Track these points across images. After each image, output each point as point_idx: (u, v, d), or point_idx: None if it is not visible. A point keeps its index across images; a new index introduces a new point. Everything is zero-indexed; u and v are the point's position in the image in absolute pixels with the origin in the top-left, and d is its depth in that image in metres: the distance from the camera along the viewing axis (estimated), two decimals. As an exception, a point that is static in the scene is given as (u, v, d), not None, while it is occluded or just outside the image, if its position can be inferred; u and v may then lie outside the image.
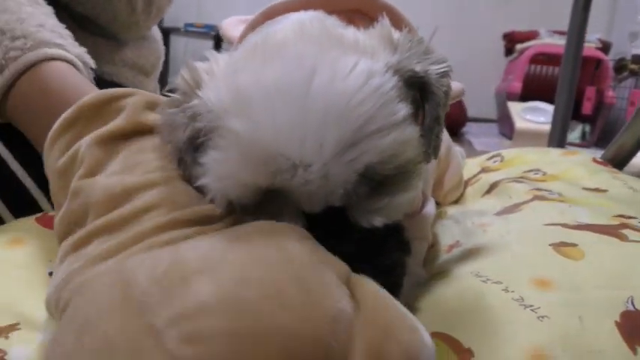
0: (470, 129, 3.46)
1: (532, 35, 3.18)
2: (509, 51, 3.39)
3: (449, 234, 0.76)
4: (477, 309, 0.53)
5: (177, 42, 3.91)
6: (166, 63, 1.27)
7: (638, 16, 2.65)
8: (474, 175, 1.12)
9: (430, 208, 0.73)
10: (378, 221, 0.47)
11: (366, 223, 0.47)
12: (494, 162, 1.16)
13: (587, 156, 1.03)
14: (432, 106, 0.51)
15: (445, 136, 1.03)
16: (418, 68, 0.50)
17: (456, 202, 1.03)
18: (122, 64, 1.01)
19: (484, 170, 1.12)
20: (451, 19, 3.33)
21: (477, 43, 3.56)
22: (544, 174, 0.99)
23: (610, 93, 2.85)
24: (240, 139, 0.43)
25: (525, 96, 2.96)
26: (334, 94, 0.42)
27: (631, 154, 0.98)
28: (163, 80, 1.21)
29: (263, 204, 0.46)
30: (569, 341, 0.49)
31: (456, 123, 3.28)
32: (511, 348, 0.48)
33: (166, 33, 3.72)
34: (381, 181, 0.47)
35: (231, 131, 0.43)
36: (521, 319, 0.51)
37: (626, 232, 0.65)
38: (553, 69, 3.06)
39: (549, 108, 2.39)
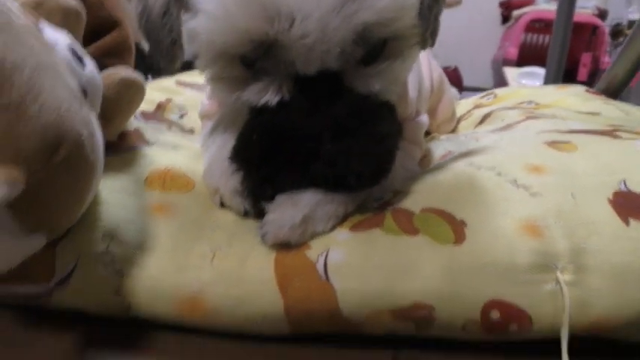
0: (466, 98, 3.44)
1: (528, 2, 3.16)
2: (505, 19, 3.36)
3: (441, 147, 0.76)
4: (470, 188, 0.53)
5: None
6: None
7: (635, -19, 2.64)
8: (468, 111, 1.12)
9: (424, 118, 0.73)
10: (374, 86, 0.47)
11: (362, 88, 0.47)
12: (488, 99, 1.15)
13: (581, 87, 1.03)
14: None
15: (439, 69, 1.03)
16: None
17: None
18: None
19: (477, 107, 1.12)
20: (448, -14, 3.29)
21: (474, 13, 3.54)
22: (537, 104, 0.99)
23: (606, 59, 2.84)
24: None
25: (521, 62, 2.95)
26: None
27: (623, 84, 0.98)
28: None
29: (257, 61, 0.45)
30: (562, 214, 0.49)
31: (452, 92, 3.25)
32: (504, 219, 0.49)
33: None
34: (377, 46, 0.47)
35: None
36: (514, 197, 0.51)
37: (618, 134, 0.65)
38: (550, 36, 3.04)
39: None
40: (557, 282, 0.46)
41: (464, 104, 1.19)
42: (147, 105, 0.79)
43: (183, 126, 0.77)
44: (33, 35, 0.40)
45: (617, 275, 0.45)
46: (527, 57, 2.92)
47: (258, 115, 0.46)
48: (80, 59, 0.46)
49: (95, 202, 0.48)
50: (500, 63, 3.16)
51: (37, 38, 0.40)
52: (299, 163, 0.44)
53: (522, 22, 3.02)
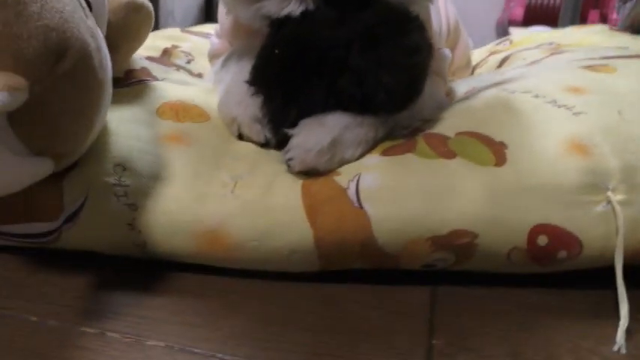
0: (469, 63, 3.36)
1: (533, -40, 3.07)
2: (509, -21, 3.29)
3: (463, 85, 0.72)
4: (507, 111, 0.49)
5: None
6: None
7: None
8: (483, 59, 1.07)
9: (447, 51, 0.68)
10: None
11: None
12: (504, 45, 1.10)
13: (604, 25, 0.98)
14: None
15: (455, 14, 0.98)
16: None
17: (467, 80, 0.98)
18: None
19: (493, 53, 1.07)
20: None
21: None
22: (559, 44, 0.94)
23: (614, 16, 2.75)
24: None
25: (528, 23, 2.88)
26: None
27: (650, 21, 0.92)
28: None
29: None
30: (610, 131, 0.45)
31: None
32: (547, 139, 0.45)
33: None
34: None
35: None
36: (557, 116, 0.47)
37: (659, 55, 0.61)
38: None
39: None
40: (609, 202, 0.42)
41: (477, 53, 1.14)
42: (151, 51, 0.74)
43: (191, 70, 0.72)
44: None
45: (674, 193, 0.42)
46: (534, 17, 2.85)
47: (279, 28, 0.42)
48: None
49: (104, 133, 0.44)
50: (505, 25, 3.09)
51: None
52: (325, 77, 0.40)
53: (528, -20, 2.93)
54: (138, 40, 0.53)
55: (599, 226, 0.41)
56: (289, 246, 0.41)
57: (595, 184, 0.42)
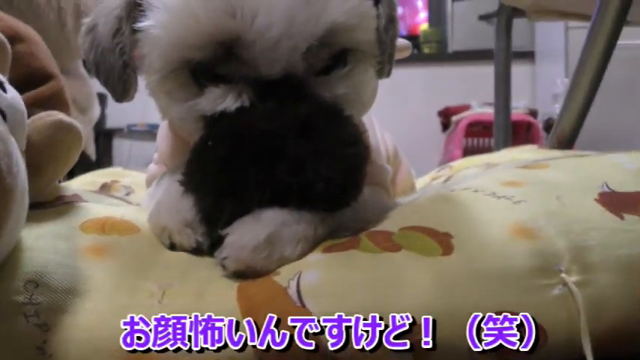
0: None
1: (465, 108, 3.36)
2: (445, 126, 3.55)
3: (408, 198, 0.72)
4: (449, 205, 0.48)
5: (121, 144, 3.89)
6: (110, 166, 1.22)
7: (558, 79, 2.86)
8: (426, 184, 1.10)
9: (387, 166, 0.70)
10: (338, 90, 0.45)
11: (326, 93, 0.44)
12: (444, 171, 1.15)
13: (534, 146, 1.04)
14: (385, 3, 0.50)
15: (391, 141, 1.03)
16: None
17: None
18: None
19: (435, 179, 1.11)
20: (387, 100, 3.49)
21: (414, 123, 3.72)
22: (495, 164, 0.98)
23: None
24: None
25: (466, 162, 3.07)
26: None
27: (573, 137, 0.99)
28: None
29: (216, 66, 0.42)
30: (552, 215, 0.44)
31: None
32: (491, 226, 0.44)
33: (109, 135, 3.70)
34: (339, 55, 0.45)
35: None
36: (497, 206, 0.47)
37: (585, 153, 0.63)
38: (489, 140, 3.21)
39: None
40: (565, 284, 0.40)
41: (421, 180, 1.18)
42: (89, 186, 0.73)
43: (129, 202, 0.70)
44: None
45: (627, 269, 0.41)
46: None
47: (214, 124, 0.42)
48: (2, 86, 0.41)
49: (18, 249, 0.40)
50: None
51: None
52: (261, 168, 0.39)
53: (462, 126, 3.18)
54: (65, 161, 0.51)
55: (559, 310, 0.39)
56: (227, 354, 0.36)
57: (546, 267, 0.40)
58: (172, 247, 0.44)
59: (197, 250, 0.43)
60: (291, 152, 0.39)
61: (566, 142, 1.00)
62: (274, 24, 0.40)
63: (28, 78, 0.49)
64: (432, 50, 3.72)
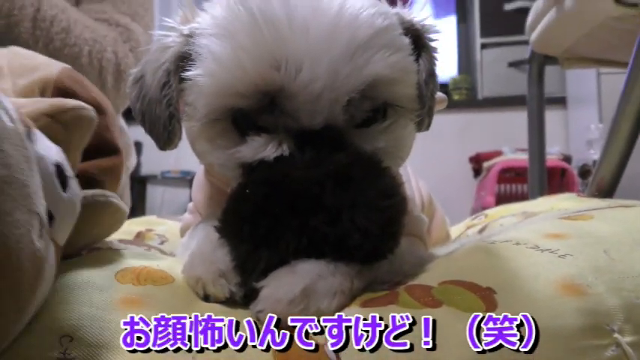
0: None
1: (496, 154, 3.33)
2: (477, 172, 3.51)
3: (444, 249, 0.70)
4: (490, 258, 0.47)
5: (155, 190, 3.95)
6: (143, 212, 1.25)
7: (592, 125, 2.82)
8: (461, 233, 1.08)
9: (423, 216, 0.68)
10: (378, 143, 0.45)
11: (367, 144, 0.44)
12: (479, 219, 1.12)
13: (572, 194, 1.01)
14: (426, 58, 0.51)
15: (426, 189, 1.02)
16: (415, 20, 0.51)
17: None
18: None
19: (470, 227, 1.09)
20: (418, 147, 3.48)
21: (446, 170, 3.69)
22: (533, 212, 0.96)
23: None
24: (249, 27, 0.41)
25: (500, 209, 3.01)
26: (348, 6, 0.42)
27: (613, 186, 0.96)
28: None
29: (259, 116, 0.43)
30: (600, 270, 0.42)
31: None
32: (536, 282, 0.42)
33: (143, 181, 3.77)
34: (380, 108, 0.45)
35: (240, 21, 0.42)
36: (541, 260, 0.45)
37: (630, 202, 0.61)
38: (522, 186, 3.16)
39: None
40: (618, 345, 0.38)
41: (455, 228, 1.15)
42: (125, 235, 0.73)
43: (164, 250, 0.70)
44: (12, 143, 0.35)
45: (686, 329, 0.38)
46: (504, 204, 2.99)
47: (252, 170, 0.42)
48: (64, 181, 0.41)
49: (50, 302, 0.40)
50: (479, 212, 3.22)
51: (16, 147, 0.35)
52: (297, 217, 0.38)
53: (494, 172, 3.14)
54: (106, 237, 0.52)
55: (613, 374, 0.36)
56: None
57: (598, 326, 0.38)
58: (206, 298, 0.44)
59: (230, 301, 0.43)
60: (328, 202, 0.38)
61: (607, 190, 0.97)
62: (318, 77, 0.40)
63: (97, 148, 0.51)
64: (461, 97, 3.72)
